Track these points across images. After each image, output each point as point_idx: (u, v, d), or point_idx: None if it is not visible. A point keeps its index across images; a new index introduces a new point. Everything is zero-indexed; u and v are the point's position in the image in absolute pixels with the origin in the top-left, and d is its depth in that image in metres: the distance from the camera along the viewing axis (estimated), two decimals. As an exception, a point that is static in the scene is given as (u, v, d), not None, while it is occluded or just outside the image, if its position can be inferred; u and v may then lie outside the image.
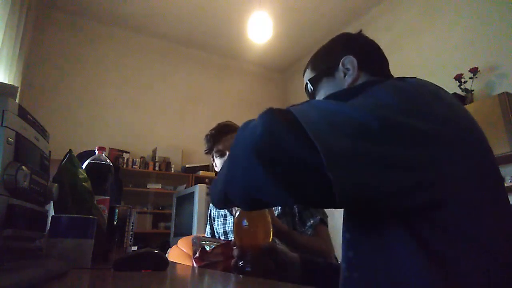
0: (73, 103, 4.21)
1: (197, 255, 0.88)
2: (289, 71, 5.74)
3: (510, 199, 0.52)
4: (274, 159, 0.43)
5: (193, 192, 3.37)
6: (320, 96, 0.75)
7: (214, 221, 1.45)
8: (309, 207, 1.18)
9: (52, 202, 0.68)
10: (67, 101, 4.18)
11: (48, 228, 0.61)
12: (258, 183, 0.45)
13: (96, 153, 0.87)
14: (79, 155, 0.97)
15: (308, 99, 0.77)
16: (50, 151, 0.74)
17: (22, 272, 0.34)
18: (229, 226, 1.37)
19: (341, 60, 0.71)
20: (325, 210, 1.24)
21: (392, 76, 0.72)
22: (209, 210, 1.52)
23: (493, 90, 2.92)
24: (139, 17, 4.51)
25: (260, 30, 3.54)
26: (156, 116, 4.74)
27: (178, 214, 3.69)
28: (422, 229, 0.45)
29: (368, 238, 0.51)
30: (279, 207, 1.21)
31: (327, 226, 1.19)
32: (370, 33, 0.76)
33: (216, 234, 1.43)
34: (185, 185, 4.34)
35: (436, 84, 0.56)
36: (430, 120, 0.46)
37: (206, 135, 1.39)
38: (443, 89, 0.55)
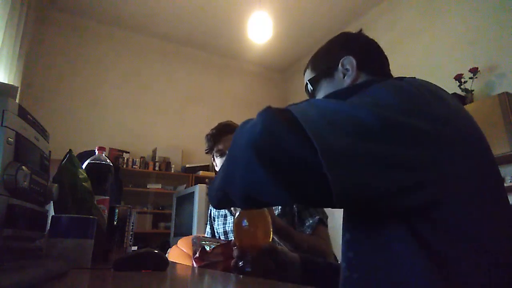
0: (73, 103, 4.21)
1: (197, 255, 0.88)
2: (289, 71, 5.74)
3: (510, 199, 0.52)
4: (274, 159, 0.43)
5: (193, 192, 3.37)
6: (319, 96, 0.75)
7: (214, 221, 1.45)
8: (308, 207, 1.18)
9: (52, 202, 0.68)
10: (67, 101, 4.18)
11: (48, 228, 0.61)
12: (258, 183, 0.45)
13: (96, 153, 0.87)
14: (79, 155, 0.97)
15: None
16: (50, 151, 0.74)
17: (22, 272, 0.34)
18: (229, 226, 1.37)
19: (341, 61, 0.71)
20: (326, 210, 1.24)
21: (392, 76, 0.72)
22: (209, 210, 1.52)
23: (493, 90, 2.92)
24: (139, 17, 4.51)
25: (260, 30, 3.54)
26: (156, 116, 4.74)
27: (178, 214, 3.69)
28: (423, 229, 0.45)
29: (368, 238, 0.51)
30: (280, 208, 1.21)
31: (326, 226, 1.19)
32: (370, 33, 0.76)
33: (216, 234, 1.43)
34: (185, 185, 4.34)
35: (436, 84, 0.56)
36: (431, 120, 0.46)
37: (207, 135, 1.39)
38: (442, 89, 0.55)
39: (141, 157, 4.38)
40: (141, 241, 3.76)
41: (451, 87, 2.97)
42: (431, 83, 0.55)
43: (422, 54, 3.63)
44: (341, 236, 0.54)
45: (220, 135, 1.34)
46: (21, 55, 3.22)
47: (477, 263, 0.44)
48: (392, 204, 0.45)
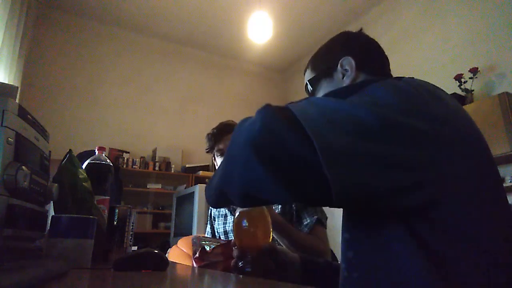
0: (73, 103, 4.21)
1: (197, 255, 0.88)
2: (289, 71, 5.74)
3: (510, 199, 0.52)
4: (274, 156, 0.43)
5: (193, 192, 3.37)
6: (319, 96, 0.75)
7: (215, 220, 1.45)
8: (307, 206, 1.18)
9: (52, 202, 0.68)
10: (67, 101, 4.18)
11: (48, 228, 0.61)
12: (257, 181, 0.45)
13: (96, 153, 0.87)
14: (79, 155, 0.97)
15: (308, 98, 0.77)
16: (50, 151, 0.74)
17: (22, 272, 0.34)
18: (229, 226, 1.37)
19: (340, 61, 0.71)
20: (325, 210, 1.24)
21: (392, 76, 0.72)
22: (210, 210, 1.52)
23: (493, 90, 2.92)
24: (139, 17, 4.51)
25: (260, 30, 3.54)
26: (156, 116, 4.74)
27: (178, 214, 3.69)
28: (422, 229, 0.45)
29: (367, 238, 0.51)
30: (279, 207, 1.21)
31: (325, 227, 1.18)
32: (370, 33, 0.76)
33: (216, 233, 1.43)
34: (185, 185, 4.34)
35: (435, 84, 0.56)
36: (429, 120, 0.46)
37: (208, 134, 1.39)
38: (440, 89, 0.55)
39: (141, 157, 4.38)
40: (141, 241, 3.76)
41: (451, 87, 2.97)
42: (429, 83, 0.55)
43: (422, 54, 3.63)
44: (340, 236, 0.54)
45: (221, 134, 1.35)
46: (21, 55, 3.22)
47: (476, 263, 0.44)
48: (391, 203, 0.45)
